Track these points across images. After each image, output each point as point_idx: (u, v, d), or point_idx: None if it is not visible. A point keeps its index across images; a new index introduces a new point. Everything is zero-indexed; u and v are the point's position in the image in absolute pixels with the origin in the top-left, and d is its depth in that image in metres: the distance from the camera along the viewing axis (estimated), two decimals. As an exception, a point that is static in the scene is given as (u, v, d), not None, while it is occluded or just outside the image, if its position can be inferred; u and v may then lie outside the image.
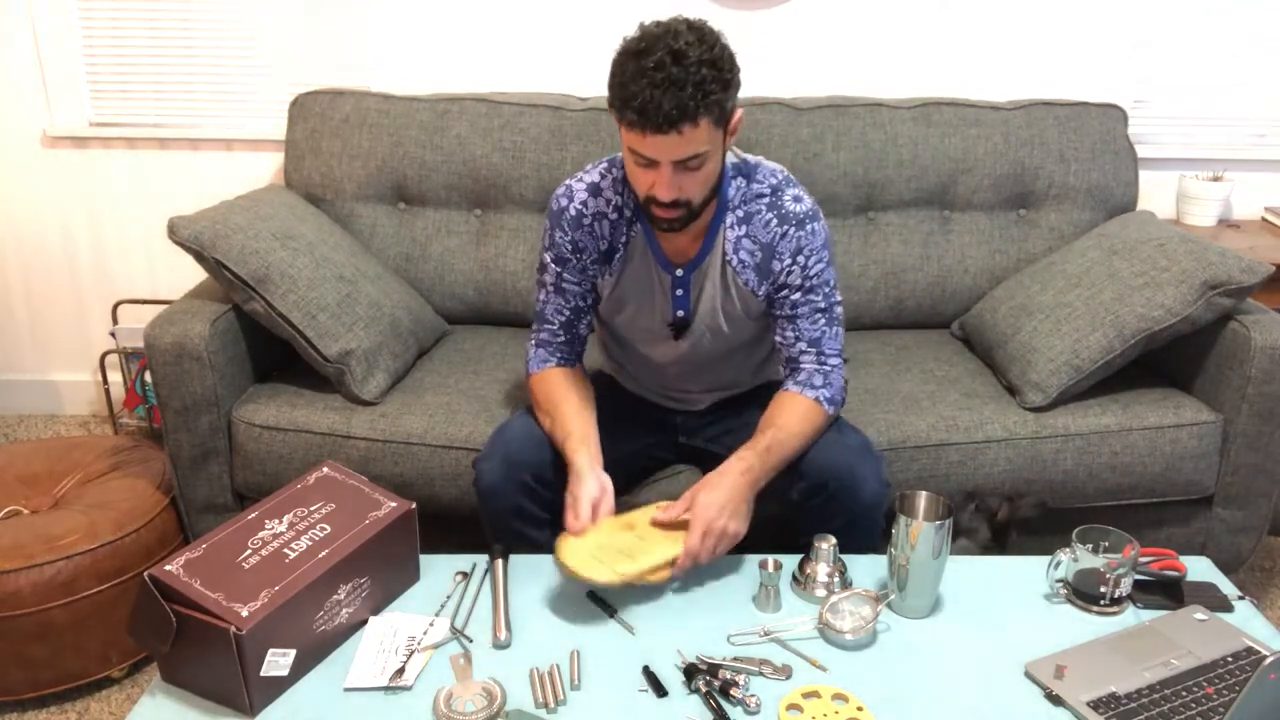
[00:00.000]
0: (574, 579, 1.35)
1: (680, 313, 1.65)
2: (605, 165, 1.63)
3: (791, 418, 1.56)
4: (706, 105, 1.35)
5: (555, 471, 1.61)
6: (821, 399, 1.59)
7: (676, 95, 1.32)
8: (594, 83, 2.56)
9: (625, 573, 1.34)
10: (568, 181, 1.63)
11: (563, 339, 1.69)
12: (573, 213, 1.60)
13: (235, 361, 1.95)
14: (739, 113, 1.46)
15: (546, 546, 1.61)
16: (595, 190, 1.60)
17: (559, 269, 1.64)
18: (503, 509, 1.62)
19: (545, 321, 1.69)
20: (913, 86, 2.58)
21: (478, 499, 1.65)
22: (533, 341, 1.71)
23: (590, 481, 1.47)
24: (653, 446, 1.84)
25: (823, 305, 1.60)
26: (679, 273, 1.61)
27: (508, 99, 2.35)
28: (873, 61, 2.57)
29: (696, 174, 1.43)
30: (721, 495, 1.43)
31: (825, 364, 1.61)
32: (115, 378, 2.84)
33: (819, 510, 1.58)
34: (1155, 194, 2.64)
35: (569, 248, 1.62)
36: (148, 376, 2.48)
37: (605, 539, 1.41)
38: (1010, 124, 2.34)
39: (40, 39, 2.57)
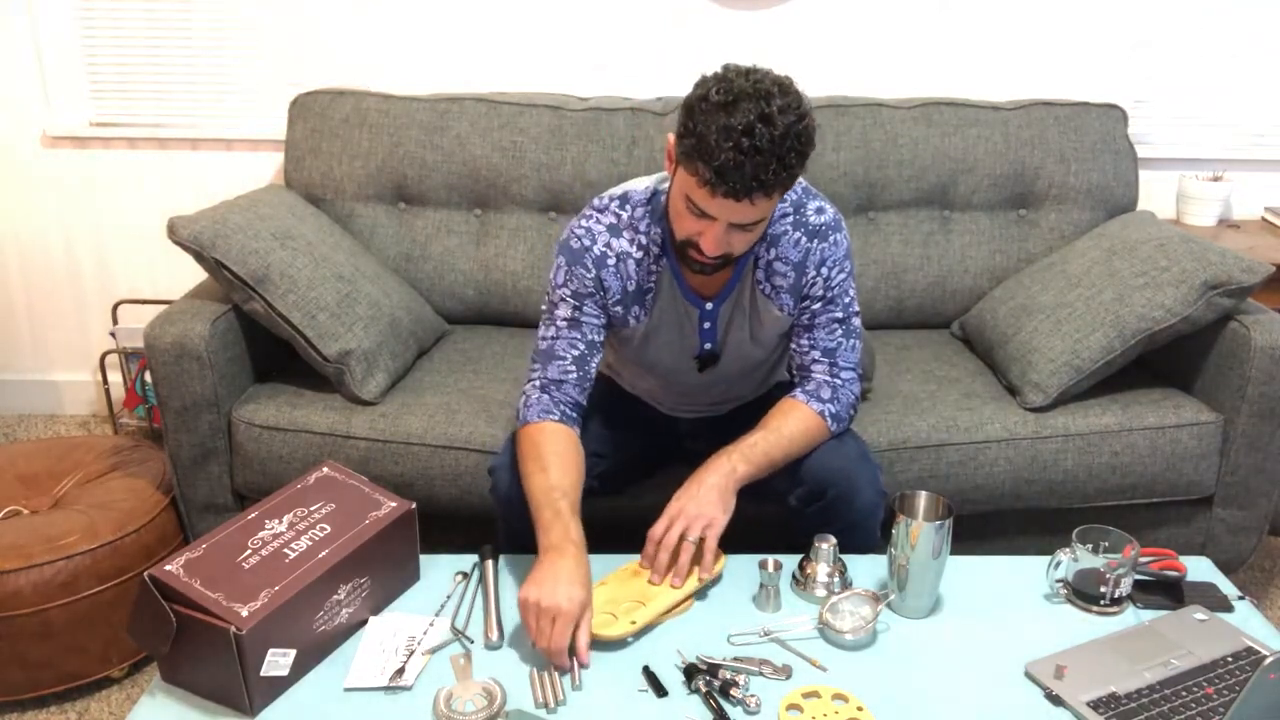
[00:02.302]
0: (593, 640, 1.31)
1: (707, 345, 1.62)
2: (618, 201, 1.55)
3: (787, 424, 1.54)
4: (784, 180, 1.31)
5: None
6: (827, 414, 1.56)
7: (760, 165, 1.26)
8: (594, 83, 2.57)
9: (641, 620, 1.33)
10: (583, 223, 1.54)
11: (574, 377, 1.54)
12: (596, 253, 1.52)
13: (235, 361, 1.95)
14: None
15: None
16: (615, 230, 1.54)
17: (578, 303, 1.54)
18: (520, 516, 1.54)
19: (554, 358, 1.54)
20: (913, 86, 2.58)
21: (496, 506, 1.61)
22: (535, 383, 1.55)
23: (581, 593, 1.29)
24: (656, 449, 1.83)
25: (840, 315, 1.57)
26: (708, 306, 1.57)
27: (508, 99, 2.35)
28: (873, 61, 2.57)
29: (748, 234, 1.39)
30: (691, 488, 1.44)
31: (838, 376, 1.58)
32: (115, 378, 2.83)
33: (816, 516, 1.57)
34: (1155, 194, 2.64)
35: (591, 285, 1.53)
36: (148, 376, 2.48)
37: (616, 590, 1.39)
38: (1010, 124, 2.34)
39: (40, 39, 2.57)
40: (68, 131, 2.65)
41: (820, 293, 1.56)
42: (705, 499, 1.43)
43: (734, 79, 1.29)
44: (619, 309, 1.57)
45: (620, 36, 2.55)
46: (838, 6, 2.53)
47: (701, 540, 1.42)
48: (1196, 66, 2.60)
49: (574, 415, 1.55)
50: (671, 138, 1.38)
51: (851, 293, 1.59)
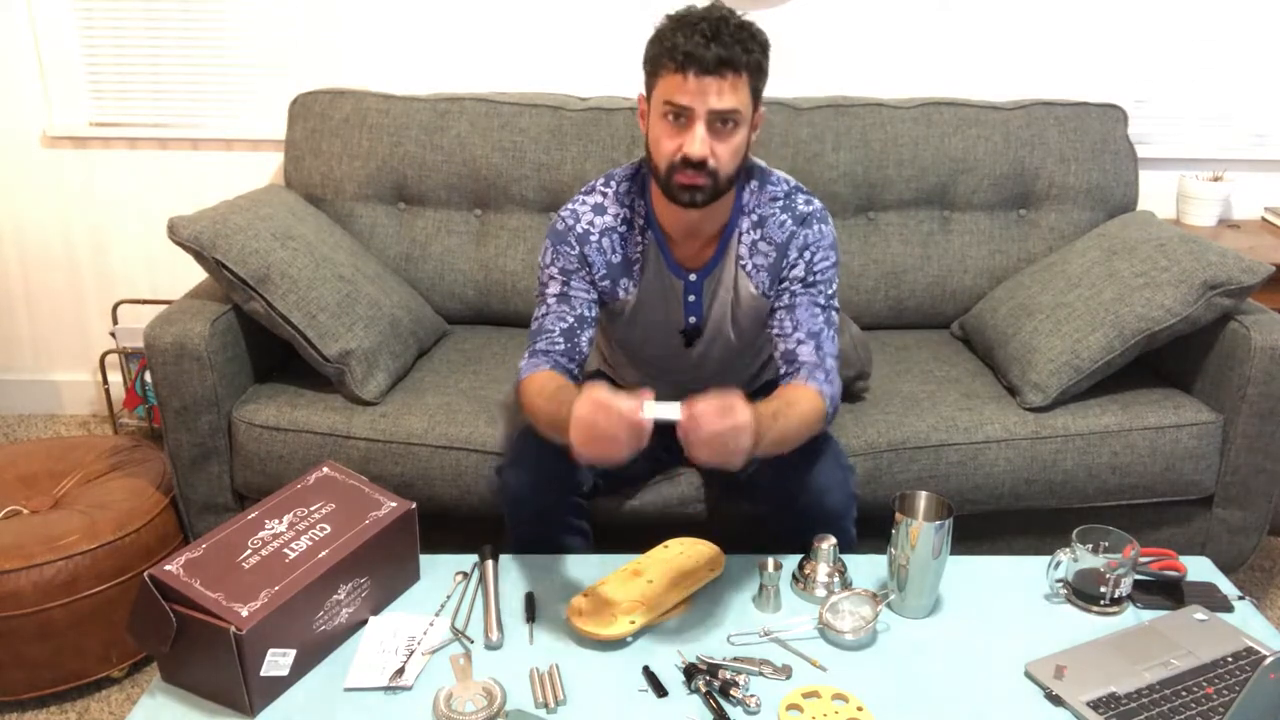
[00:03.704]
0: (593, 641, 1.32)
1: (692, 319, 1.64)
2: (602, 181, 1.61)
3: (798, 404, 1.46)
4: (748, 63, 1.40)
5: (584, 474, 1.62)
6: (825, 397, 1.51)
7: (723, 44, 1.38)
8: (594, 83, 2.57)
9: (641, 620, 1.33)
10: (569, 205, 1.60)
11: (561, 348, 1.57)
12: (580, 230, 1.58)
13: (235, 361, 1.95)
14: (762, 109, 1.50)
15: (576, 551, 1.62)
16: (599, 209, 1.58)
17: (564, 279, 1.58)
18: (531, 516, 1.59)
19: (544, 332, 1.59)
20: (913, 86, 2.58)
21: (504, 507, 1.62)
22: (526, 354, 1.60)
23: (583, 395, 1.26)
24: (655, 448, 1.83)
25: (822, 303, 1.58)
26: (692, 278, 1.60)
27: (508, 99, 2.35)
28: (873, 61, 2.58)
29: (728, 140, 1.43)
30: (747, 409, 1.26)
31: (825, 361, 1.55)
32: (115, 378, 2.84)
33: (787, 521, 1.57)
34: (1155, 194, 2.64)
35: (576, 261, 1.58)
36: (148, 376, 2.48)
37: (615, 591, 1.39)
38: (1010, 124, 2.34)
39: (40, 39, 2.57)
40: (68, 131, 2.65)
41: (801, 274, 1.57)
42: (732, 457, 1.26)
43: (690, 8, 1.44)
44: (606, 283, 1.61)
45: (620, 36, 2.55)
46: (838, 6, 2.53)
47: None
48: (1196, 66, 2.60)
49: (565, 366, 1.57)
50: (639, 95, 1.51)
51: (835, 287, 1.59)
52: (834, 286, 1.59)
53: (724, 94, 1.39)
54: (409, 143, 2.32)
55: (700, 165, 1.42)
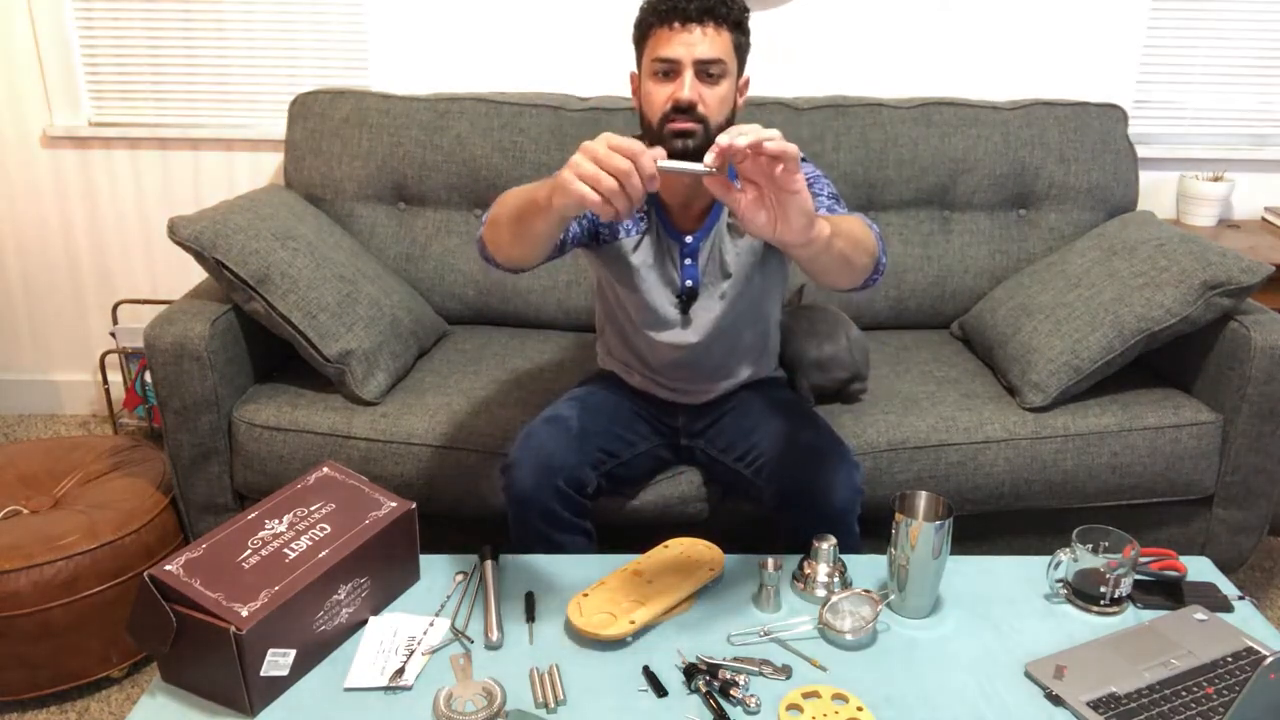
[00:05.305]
0: (593, 641, 1.32)
1: (689, 283, 1.66)
2: None
3: (842, 219, 1.39)
4: (729, 16, 1.47)
5: (588, 474, 1.63)
6: (870, 226, 1.45)
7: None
8: (594, 83, 2.57)
9: (641, 620, 1.33)
10: None
11: None
12: None
13: (235, 361, 1.95)
14: (747, 76, 1.54)
15: (580, 550, 1.63)
16: None
17: None
18: (535, 515, 1.60)
19: None
20: (913, 86, 2.58)
21: (508, 505, 1.62)
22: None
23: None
24: (657, 448, 1.83)
25: (825, 202, 1.52)
26: (688, 239, 1.63)
27: (508, 99, 2.35)
28: (873, 61, 2.58)
29: (715, 89, 1.48)
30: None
31: (854, 215, 1.49)
32: (115, 378, 2.84)
33: (793, 515, 1.58)
34: (1155, 194, 2.64)
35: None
36: (148, 376, 2.48)
37: (615, 591, 1.39)
38: (1010, 124, 2.34)
39: (40, 39, 2.57)
40: (68, 131, 2.65)
41: None
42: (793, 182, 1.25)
43: None
44: (606, 230, 1.63)
45: (620, 36, 2.55)
46: (838, 6, 2.53)
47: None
48: (1196, 66, 2.61)
49: None
50: (631, 74, 1.58)
51: (835, 193, 1.56)
52: (832, 188, 1.57)
53: (708, 42, 1.46)
54: (409, 143, 2.32)
55: (690, 110, 1.47)
